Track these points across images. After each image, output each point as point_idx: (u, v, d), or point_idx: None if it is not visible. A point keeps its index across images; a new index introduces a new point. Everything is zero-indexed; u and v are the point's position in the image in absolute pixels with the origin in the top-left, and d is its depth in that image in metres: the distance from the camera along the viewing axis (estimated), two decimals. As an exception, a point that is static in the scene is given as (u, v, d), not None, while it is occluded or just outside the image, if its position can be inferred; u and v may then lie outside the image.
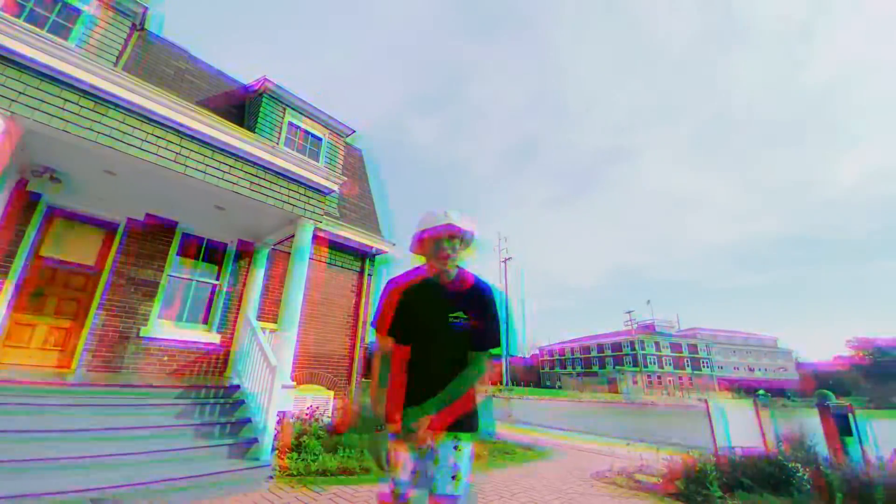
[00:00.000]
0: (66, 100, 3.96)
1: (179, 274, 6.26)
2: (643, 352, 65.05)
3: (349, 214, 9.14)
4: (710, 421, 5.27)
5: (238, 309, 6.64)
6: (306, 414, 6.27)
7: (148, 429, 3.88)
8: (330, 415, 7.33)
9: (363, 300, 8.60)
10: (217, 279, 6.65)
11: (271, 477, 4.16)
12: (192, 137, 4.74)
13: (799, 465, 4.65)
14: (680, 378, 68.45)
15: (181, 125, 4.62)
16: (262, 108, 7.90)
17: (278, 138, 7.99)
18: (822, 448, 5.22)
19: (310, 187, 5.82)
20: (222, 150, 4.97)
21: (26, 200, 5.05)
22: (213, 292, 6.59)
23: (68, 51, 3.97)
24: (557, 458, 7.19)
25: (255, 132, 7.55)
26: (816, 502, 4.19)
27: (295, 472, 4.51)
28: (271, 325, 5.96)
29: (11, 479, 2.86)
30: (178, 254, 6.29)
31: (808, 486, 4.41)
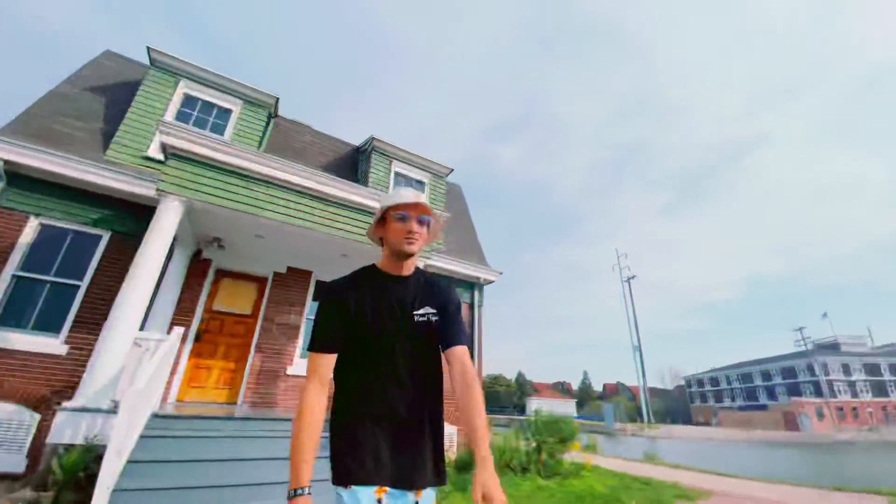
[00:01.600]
0: (225, 182, 4.93)
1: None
2: (827, 377, 51.48)
3: (454, 247, 9.38)
4: None
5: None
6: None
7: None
8: (455, 450, 7.24)
9: (475, 331, 8.56)
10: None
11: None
12: (318, 198, 5.47)
13: None
14: (883, 407, 51.89)
15: (309, 189, 5.38)
16: (372, 163, 8.81)
17: (388, 187, 8.74)
18: None
19: (416, 226, 6.16)
20: (342, 204, 5.63)
21: (201, 265, 6.32)
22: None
23: (223, 143, 4.98)
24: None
25: (367, 185, 8.41)
26: None
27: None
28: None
29: (190, 502, 3.36)
30: (313, 299, 7.14)
31: None
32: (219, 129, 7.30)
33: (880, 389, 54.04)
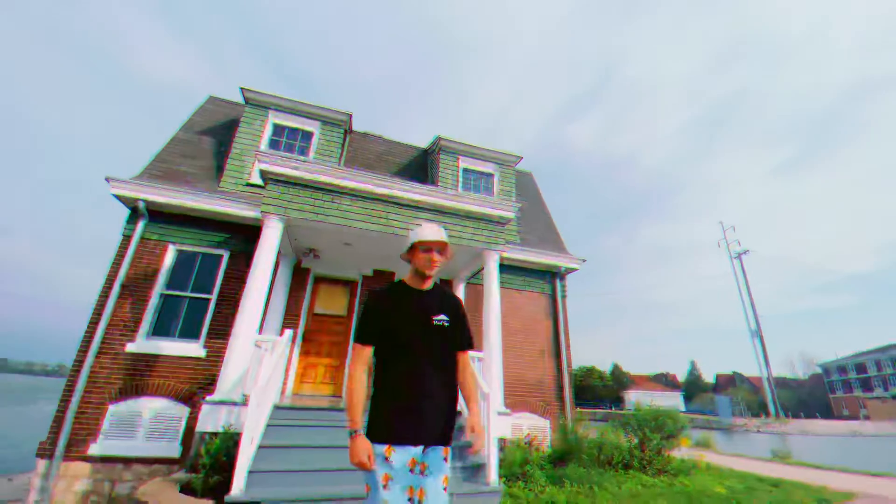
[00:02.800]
0: (315, 198, 5.44)
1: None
2: (882, 373, 40.04)
3: (529, 238, 9.17)
4: None
5: (448, 341, 7.40)
6: (525, 442, 6.25)
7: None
8: (549, 443, 7.10)
9: (561, 322, 8.28)
10: (428, 316, 7.63)
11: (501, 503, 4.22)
12: (394, 203, 5.77)
13: None
14: None
15: (384, 196, 5.71)
16: (440, 162, 8.99)
17: (457, 184, 8.87)
18: None
19: (487, 220, 6.16)
20: (416, 206, 5.86)
21: (301, 273, 7.05)
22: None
23: (310, 163, 5.49)
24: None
25: (437, 184, 8.62)
26: None
27: (524, 501, 4.47)
28: (479, 354, 6.34)
29: (309, 483, 3.78)
30: (397, 299, 7.55)
31: None
32: (304, 150, 8.06)
33: None
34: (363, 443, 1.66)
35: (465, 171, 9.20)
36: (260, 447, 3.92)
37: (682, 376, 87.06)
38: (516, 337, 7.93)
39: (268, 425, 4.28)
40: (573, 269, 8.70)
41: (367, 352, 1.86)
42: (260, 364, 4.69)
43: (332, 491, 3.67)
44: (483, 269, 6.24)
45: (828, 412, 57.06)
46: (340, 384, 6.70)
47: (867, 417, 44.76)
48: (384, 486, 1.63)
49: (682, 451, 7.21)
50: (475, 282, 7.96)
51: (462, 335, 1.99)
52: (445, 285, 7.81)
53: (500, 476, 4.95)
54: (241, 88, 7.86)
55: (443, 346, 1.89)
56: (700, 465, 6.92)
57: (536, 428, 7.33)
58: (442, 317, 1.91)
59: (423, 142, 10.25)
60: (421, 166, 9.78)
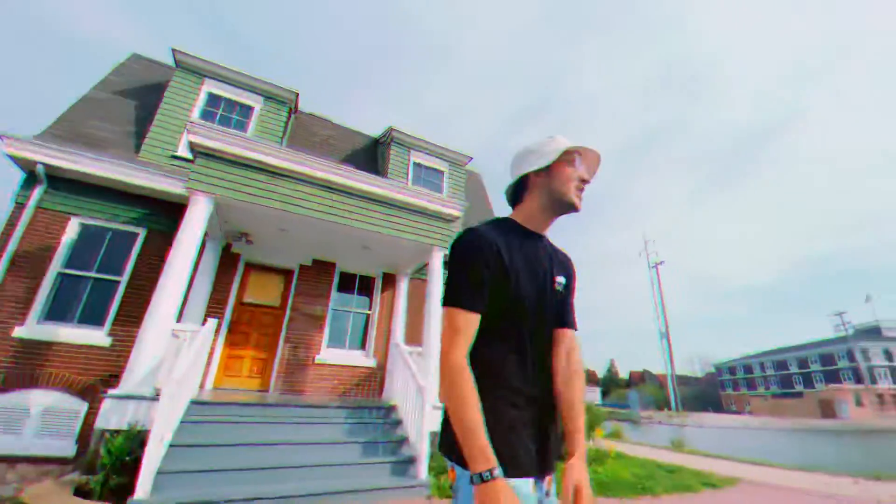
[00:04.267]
0: (250, 178, 5.06)
1: (340, 307, 7.25)
2: (868, 363, 49.15)
3: (474, 236, 9.36)
4: None
5: (387, 334, 7.32)
6: (456, 436, 6.39)
7: (326, 443, 4.43)
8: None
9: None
10: (369, 308, 7.48)
11: (429, 496, 4.28)
12: (340, 191, 5.55)
13: None
14: None
15: (330, 182, 5.46)
16: (391, 154, 8.84)
17: (406, 177, 8.78)
18: None
19: (436, 217, 6.18)
20: (363, 196, 5.70)
21: (230, 259, 6.54)
22: (366, 320, 7.42)
23: (247, 140, 5.10)
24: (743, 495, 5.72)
25: (387, 176, 8.47)
26: None
27: (450, 494, 4.56)
28: (417, 349, 6.35)
29: (226, 484, 3.55)
30: (338, 290, 7.31)
31: None
32: (242, 126, 7.48)
33: (928, 376, 51.13)
34: (509, 495, 0.88)
35: (416, 165, 9.14)
36: (172, 445, 3.60)
37: (601, 373, 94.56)
38: (455, 333, 8.07)
39: (182, 421, 3.94)
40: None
41: (474, 322, 1.06)
42: (177, 355, 4.29)
43: (253, 491, 3.47)
44: (427, 264, 6.27)
45: (719, 407, 65.42)
46: (269, 378, 6.34)
47: (751, 412, 51.93)
48: None
49: (597, 442, 7.82)
50: (419, 276, 7.95)
51: (571, 308, 1.29)
52: (387, 280, 7.72)
53: (431, 469, 5.02)
54: (173, 50, 7.08)
55: (555, 322, 1.23)
56: (611, 454, 7.55)
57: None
58: (561, 279, 1.24)
59: (374, 131, 9.99)
60: (370, 156, 9.54)
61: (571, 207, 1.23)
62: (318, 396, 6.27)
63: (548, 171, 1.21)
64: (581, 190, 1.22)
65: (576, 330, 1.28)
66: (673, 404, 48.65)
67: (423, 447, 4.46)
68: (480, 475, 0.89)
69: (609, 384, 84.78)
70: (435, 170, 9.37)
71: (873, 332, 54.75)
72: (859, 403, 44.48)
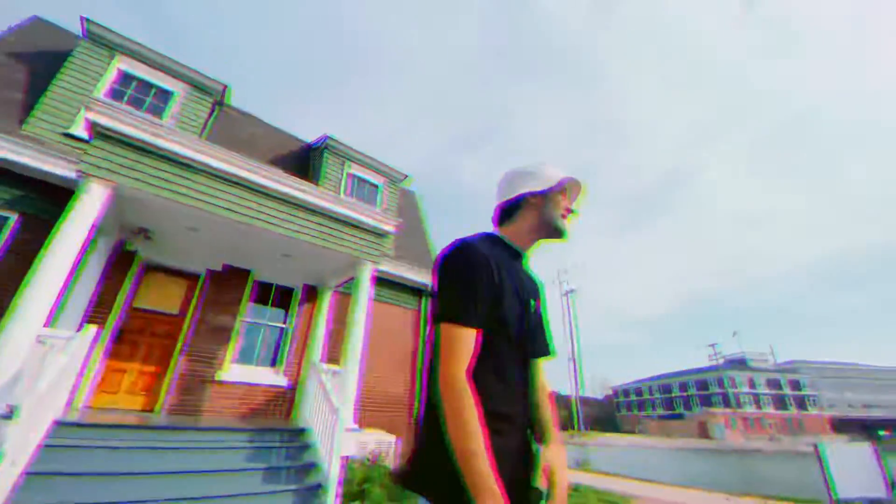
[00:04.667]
0: (158, 168, 4.56)
1: (252, 319, 6.70)
2: (734, 389, 57.31)
3: (406, 254, 9.35)
4: (823, 468, 4.37)
5: (304, 351, 6.90)
6: (370, 459, 6.15)
7: (221, 472, 3.99)
8: (392, 460, 7.13)
9: (422, 338, 8.56)
10: (285, 322, 7.01)
11: (336, 527, 4.04)
12: (265, 193, 5.21)
13: None
14: (784, 418, 59.00)
15: (255, 183, 5.11)
16: (324, 162, 8.57)
17: (339, 188, 8.55)
18: None
19: (368, 230, 6.07)
20: (291, 202, 5.40)
21: (124, 257, 5.77)
22: (281, 335, 6.93)
23: (160, 126, 4.62)
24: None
25: (318, 184, 8.17)
26: None
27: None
28: (335, 367, 6.07)
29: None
30: (251, 300, 6.76)
31: None
32: (157, 111, 6.76)
33: (781, 402, 61.12)
34: None
35: (351, 177, 8.98)
36: (28, 474, 2.99)
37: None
38: (379, 351, 7.88)
39: (45, 446, 3.30)
40: (440, 290, 9.13)
41: (472, 343, 0.98)
42: (42, 365, 3.62)
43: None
44: (355, 278, 6.08)
45: (615, 427, 71.35)
46: (158, 396, 5.58)
47: (642, 432, 57.31)
48: None
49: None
50: (344, 290, 7.69)
51: (549, 336, 1.25)
52: (309, 293, 7.35)
53: (339, 496, 4.76)
54: (84, 19, 6.25)
55: (534, 347, 1.18)
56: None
57: (384, 443, 7.30)
58: (539, 303, 1.21)
59: (309, 138, 9.66)
60: (302, 162, 9.17)
61: (560, 233, 1.25)
62: (218, 419, 5.66)
63: (543, 195, 1.23)
64: (564, 218, 1.25)
65: (554, 356, 1.25)
66: (578, 425, 51.99)
67: (333, 473, 4.22)
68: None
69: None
70: (371, 183, 9.28)
71: (740, 363, 64.26)
72: (731, 427, 51.56)
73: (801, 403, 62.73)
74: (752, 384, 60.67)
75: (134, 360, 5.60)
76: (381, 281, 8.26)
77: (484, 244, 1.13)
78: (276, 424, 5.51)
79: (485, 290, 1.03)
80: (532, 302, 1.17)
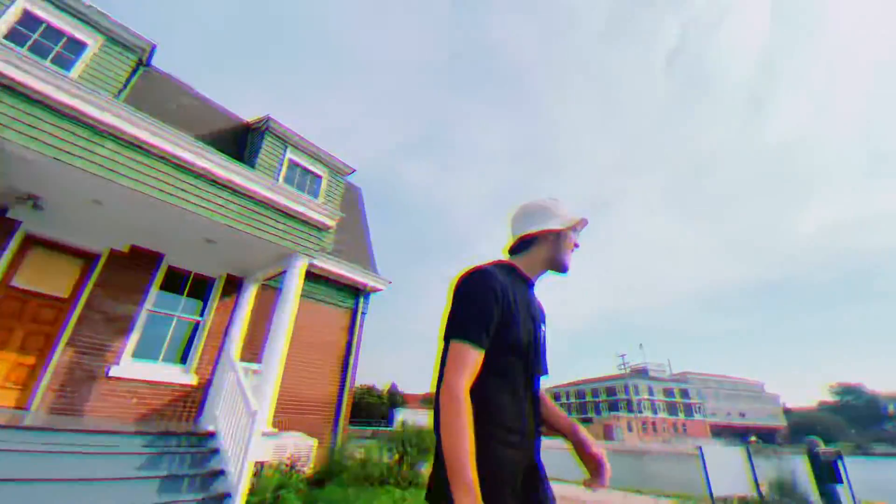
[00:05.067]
0: (60, 128, 3.91)
1: (160, 309, 5.99)
2: (637, 397, 63.55)
3: (344, 251, 9.02)
4: (705, 468, 4.98)
5: (220, 348, 6.32)
6: (286, 464, 5.79)
7: (110, 481, 3.48)
8: (312, 465, 6.79)
9: (355, 339, 8.29)
10: (201, 315, 6.37)
11: (242, 540, 3.73)
12: (189, 170, 4.69)
13: None
14: (673, 423, 66.93)
15: (179, 158, 4.57)
16: (263, 145, 7.98)
17: (278, 175, 8.01)
18: (812, 494, 5.05)
19: (306, 223, 5.73)
20: (220, 184, 4.92)
21: (3, 227, 4.86)
22: (195, 329, 6.28)
23: (66, 80, 3.96)
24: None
25: (254, 168, 7.57)
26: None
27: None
28: (254, 366, 5.63)
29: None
30: (161, 288, 6.05)
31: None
32: (65, 63, 5.81)
33: (672, 409, 69.00)
34: None
35: (292, 165, 8.45)
36: None
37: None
38: (305, 351, 7.47)
39: None
40: (379, 290, 8.94)
41: (479, 360, 1.09)
42: None
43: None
44: (286, 272, 5.69)
45: (534, 430, 75.31)
46: (35, 391, 4.75)
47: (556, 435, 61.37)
48: None
49: (426, 471, 8.07)
50: (271, 284, 7.20)
51: (545, 357, 1.34)
52: (231, 284, 6.77)
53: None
54: (-36, -70, 5.18)
55: (537, 371, 1.26)
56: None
57: (303, 448, 6.93)
58: (544, 327, 1.33)
59: (248, 117, 8.94)
60: (237, 142, 8.45)
61: (565, 269, 1.38)
62: (110, 420, 4.97)
63: (558, 233, 1.35)
64: (572, 252, 1.39)
65: (547, 375, 1.35)
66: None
67: (242, 481, 3.89)
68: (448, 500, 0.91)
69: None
70: (313, 174, 8.81)
71: (643, 373, 71.34)
72: (630, 430, 56.91)
73: (689, 411, 71.53)
74: (651, 392, 67.87)
75: (7, 348, 4.73)
76: (315, 277, 7.87)
77: (499, 272, 1.25)
78: (181, 427, 4.97)
79: (493, 314, 1.13)
80: (538, 325, 1.28)
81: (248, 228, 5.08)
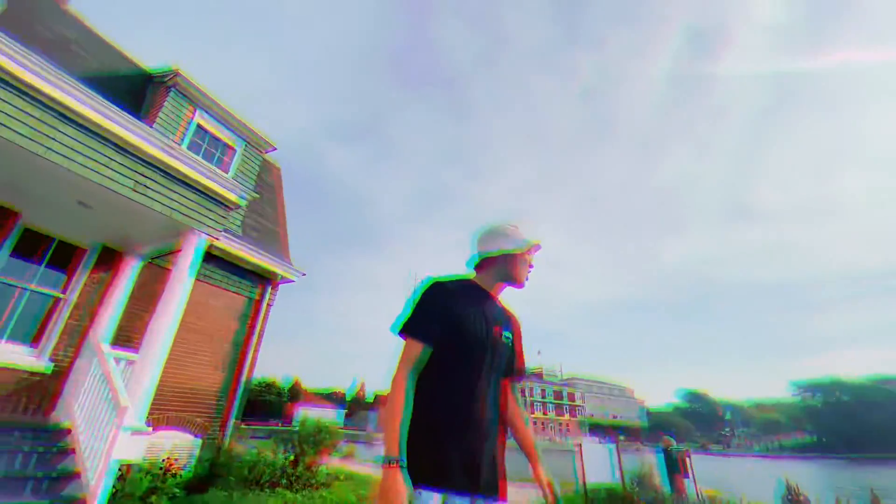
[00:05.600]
0: None
1: (8, 279, 4.91)
2: (531, 397, 69.07)
3: (254, 234, 8.30)
4: (582, 462, 5.64)
5: (87, 330, 5.37)
6: (161, 466, 5.14)
7: None
8: (192, 466, 6.11)
9: (257, 330, 7.65)
10: (64, 291, 5.35)
11: (95, 553, 3.22)
12: (62, 115, 3.91)
13: (644, 502, 5.15)
14: (559, 422, 74.44)
15: (47, 95, 3.78)
16: (166, 102, 6.99)
17: (181, 138, 7.08)
18: (664, 484, 6.07)
19: (210, 198, 5.15)
20: (103, 137, 4.18)
21: None
22: (55, 307, 5.27)
23: None
24: None
25: (152, 126, 6.59)
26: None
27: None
28: (130, 355, 4.90)
29: None
30: (12, 253, 4.96)
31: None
32: None
33: (560, 409, 76.24)
34: (400, 481, 1.11)
35: (201, 129, 7.52)
36: None
37: (349, 395, 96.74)
38: (196, 339, 6.70)
39: None
40: (290, 280, 8.39)
41: (423, 354, 1.32)
42: None
43: None
44: (181, 251, 5.03)
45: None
46: None
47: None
48: None
49: (331, 464, 7.80)
50: (159, 263, 6.34)
51: (519, 361, 1.56)
52: (107, 258, 5.82)
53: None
54: None
55: (499, 369, 1.44)
56: (341, 477, 7.67)
57: (183, 447, 6.20)
58: (507, 332, 1.50)
59: (151, 66, 7.76)
60: (133, 92, 7.30)
61: (520, 285, 1.57)
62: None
63: (513, 256, 1.52)
64: (526, 271, 1.56)
65: (524, 375, 1.59)
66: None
67: (100, 483, 3.36)
68: (388, 459, 1.15)
69: (354, 405, 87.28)
70: (224, 143, 7.93)
71: (538, 376, 77.50)
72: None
73: (573, 411, 79.76)
74: (544, 394, 74.34)
75: None
76: (216, 259, 7.13)
77: (454, 283, 1.48)
78: (26, 420, 4.13)
79: (437, 316, 1.36)
80: (496, 328, 1.45)
81: (133, 195, 4.37)
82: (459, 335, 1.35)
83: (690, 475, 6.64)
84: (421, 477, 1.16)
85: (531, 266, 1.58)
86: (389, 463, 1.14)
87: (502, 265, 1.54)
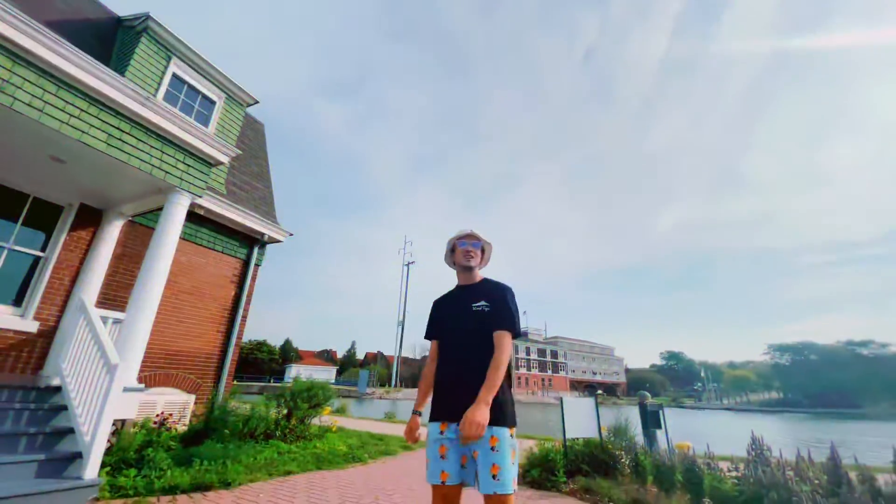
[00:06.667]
0: None
1: (-17, 237, 4.75)
2: (516, 355, 71.83)
3: (239, 193, 8.09)
4: (563, 415, 5.92)
5: (71, 289, 5.31)
6: (155, 422, 5.29)
7: None
8: (187, 422, 6.29)
9: (245, 291, 7.64)
10: (43, 250, 5.22)
11: (96, 498, 3.36)
12: (27, 61, 3.63)
13: (622, 453, 5.51)
14: (542, 378, 78.08)
15: (12, 42, 3.50)
16: (139, 50, 6.50)
17: (156, 90, 6.66)
18: (641, 438, 6.48)
19: (190, 154, 4.95)
20: (73, 87, 3.92)
21: None
22: (35, 265, 5.15)
23: None
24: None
25: (124, 75, 6.17)
26: (633, 482, 4.99)
27: (132, 492, 3.73)
28: (117, 314, 4.88)
29: None
30: (-13, 212, 4.77)
31: (629, 470, 5.26)
32: None
33: (543, 367, 79.52)
34: (411, 420, 2.10)
35: (177, 80, 7.07)
36: None
37: (342, 353, 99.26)
38: (185, 300, 6.69)
39: None
40: (277, 241, 8.29)
41: (434, 346, 2.21)
42: None
43: None
44: (163, 209, 4.89)
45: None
46: None
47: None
48: (428, 446, 1.93)
49: (323, 419, 8.11)
50: (144, 222, 6.19)
51: (495, 317, 1.99)
52: (88, 216, 5.64)
53: (108, 465, 3.96)
54: None
55: (480, 330, 1.98)
56: (333, 430, 8.01)
57: (177, 404, 6.36)
58: (482, 303, 2.04)
59: (121, 12, 7.16)
60: (104, 41, 6.78)
61: (469, 269, 2.21)
62: None
63: (453, 254, 2.27)
64: (468, 253, 2.18)
65: (503, 329, 1.96)
66: (394, 382, 56.14)
67: (96, 440, 3.44)
68: (413, 411, 2.17)
69: (347, 363, 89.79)
70: (204, 97, 7.51)
71: (524, 335, 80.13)
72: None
73: (556, 368, 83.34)
74: (528, 352, 77.20)
75: None
76: (202, 219, 6.97)
77: (446, 293, 2.31)
78: (15, 380, 4.15)
79: (430, 319, 2.29)
80: (471, 306, 2.06)
81: (109, 150, 4.16)
82: (439, 325, 2.24)
83: (663, 427, 7.09)
84: (430, 416, 1.99)
85: (466, 251, 2.19)
86: (413, 413, 2.15)
87: (455, 263, 2.27)
